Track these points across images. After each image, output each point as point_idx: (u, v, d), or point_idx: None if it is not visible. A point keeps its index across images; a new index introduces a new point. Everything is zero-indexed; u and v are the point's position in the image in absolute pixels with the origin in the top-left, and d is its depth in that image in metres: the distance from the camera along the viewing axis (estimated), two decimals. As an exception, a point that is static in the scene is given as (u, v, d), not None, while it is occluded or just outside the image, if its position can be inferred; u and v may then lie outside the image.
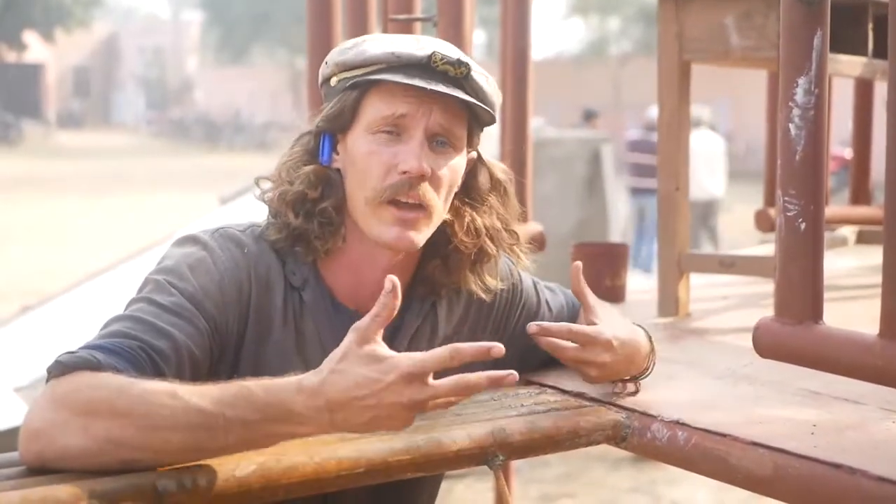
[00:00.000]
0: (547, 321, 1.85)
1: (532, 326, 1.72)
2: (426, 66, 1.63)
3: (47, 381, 1.44)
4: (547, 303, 1.96)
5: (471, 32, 2.82)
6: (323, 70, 1.73)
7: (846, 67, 2.78)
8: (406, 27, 2.70)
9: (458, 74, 1.65)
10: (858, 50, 2.78)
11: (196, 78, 54.47)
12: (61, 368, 1.42)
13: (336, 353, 1.41)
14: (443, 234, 1.73)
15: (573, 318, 1.96)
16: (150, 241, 10.15)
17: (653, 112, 11.70)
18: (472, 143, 1.74)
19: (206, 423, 1.37)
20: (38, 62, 47.74)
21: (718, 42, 2.60)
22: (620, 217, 11.20)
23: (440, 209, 1.68)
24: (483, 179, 1.78)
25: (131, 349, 1.47)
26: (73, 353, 1.45)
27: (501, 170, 1.82)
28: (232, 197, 9.86)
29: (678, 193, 2.62)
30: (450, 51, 1.67)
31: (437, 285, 1.77)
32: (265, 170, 1.77)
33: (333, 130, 1.70)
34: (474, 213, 1.76)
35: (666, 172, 2.64)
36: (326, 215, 1.68)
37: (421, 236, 1.67)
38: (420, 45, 1.66)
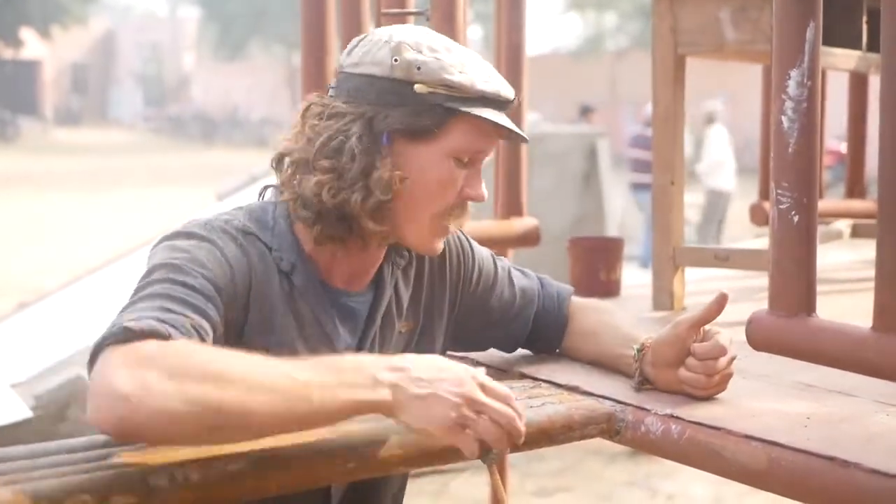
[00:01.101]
0: (507, 296, 1.98)
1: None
2: (496, 102, 1.71)
3: (103, 346, 1.37)
4: (509, 279, 2.01)
5: (464, 27, 2.82)
6: (410, 73, 1.67)
7: (840, 61, 2.78)
8: (399, 21, 2.69)
9: (509, 109, 1.75)
10: (853, 44, 2.79)
11: (193, 74, 54.44)
12: (128, 334, 1.37)
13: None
14: None
15: (553, 309, 2.02)
16: (147, 237, 10.16)
17: (650, 108, 11.70)
18: None
19: (295, 388, 1.37)
20: (36, 59, 47.69)
21: (713, 36, 2.60)
22: (617, 212, 11.20)
23: None
24: None
25: (183, 325, 1.45)
26: (134, 321, 1.39)
27: None
28: (229, 193, 9.86)
29: (673, 188, 2.62)
30: (506, 86, 1.74)
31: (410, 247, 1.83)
32: (263, 166, 1.77)
33: (401, 133, 1.69)
34: None
35: (661, 166, 2.64)
36: (379, 208, 1.69)
37: None
38: (500, 82, 1.72)
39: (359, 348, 1.77)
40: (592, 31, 39.17)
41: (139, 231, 12.65)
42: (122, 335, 1.37)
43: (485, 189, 1.74)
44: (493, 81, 1.70)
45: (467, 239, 1.99)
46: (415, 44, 1.68)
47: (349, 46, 1.75)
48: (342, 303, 1.77)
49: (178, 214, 12.47)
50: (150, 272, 1.55)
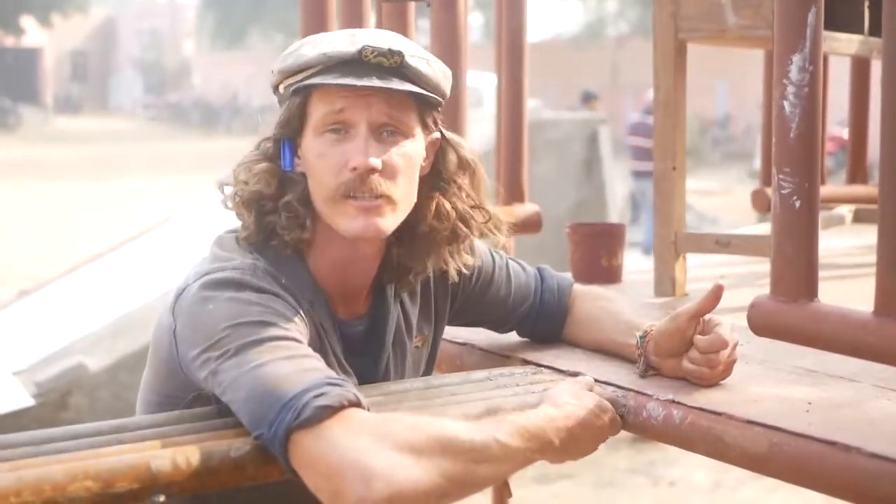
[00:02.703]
0: (504, 292, 1.99)
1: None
2: (359, 62, 1.65)
3: (299, 427, 1.38)
4: (507, 273, 2.01)
5: (465, 14, 2.81)
6: (270, 79, 1.74)
7: (843, 46, 2.78)
8: (399, 10, 2.69)
9: (393, 64, 1.66)
10: (855, 28, 2.78)
11: (193, 62, 54.36)
12: (331, 411, 1.39)
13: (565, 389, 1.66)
14: (412, 220, 1.75)
15: (552, 302, 2.03)
16: (147, 225, 10.15)
17: (651, 95, 11.67)
18: (426, 126, 1.75)
19: (507, 455, 1.46)
20: (36, 47, 47.62)
21: (714, 21, 2.59)
22: (618, 199, 11.19)
23: (403, 196, 1.70)
24: (451, 159, 1.79)
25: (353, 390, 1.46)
26: (323, 395, 1.40)
27: (469, 149, 1.83)
28: (228, 180, 9.83)
29: (674, 173, 2.62)
30: (383, 41, 1.68)
31: (404, 270, 1.80)
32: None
33: (290, 136, 1.71)
34: (443, 197, 1.78)
35: (662, 152, 2.64)
36: (291, 209, 1.69)
37: (387, 222, 1.69)
38: (353, 40, 1.67)
39: (372, 377, 1.78)
40: (593, 18, 39.09)
41: (139, 219, 12.65)
42: (323, 413, 1.38)
43: (371, 158, 1.64)
44: (330, 45, 1.67)
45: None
46: (281, 55, 1.73)
47: None
48: (344, 332, 1.77)
49: (178, 202, 12.47)
50: (235, 331, 1.52)
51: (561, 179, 9.61)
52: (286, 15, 37.26)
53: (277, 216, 1.69)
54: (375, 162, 1.64)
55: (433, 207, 1.76)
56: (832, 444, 1.45)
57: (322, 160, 1.66)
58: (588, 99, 14.34)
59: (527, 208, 3.09)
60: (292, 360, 1.47)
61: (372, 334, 1.80)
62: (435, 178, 1.78)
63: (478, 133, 7.64)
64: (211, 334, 1.52)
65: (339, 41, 1.67)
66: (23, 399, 5.91)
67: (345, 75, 1.63)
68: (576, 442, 1.59)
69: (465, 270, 1.86)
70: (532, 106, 10.84)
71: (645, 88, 12.50)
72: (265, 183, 1.69)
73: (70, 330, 6.75)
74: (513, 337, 2.08)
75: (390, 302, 1.81)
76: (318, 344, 1.66)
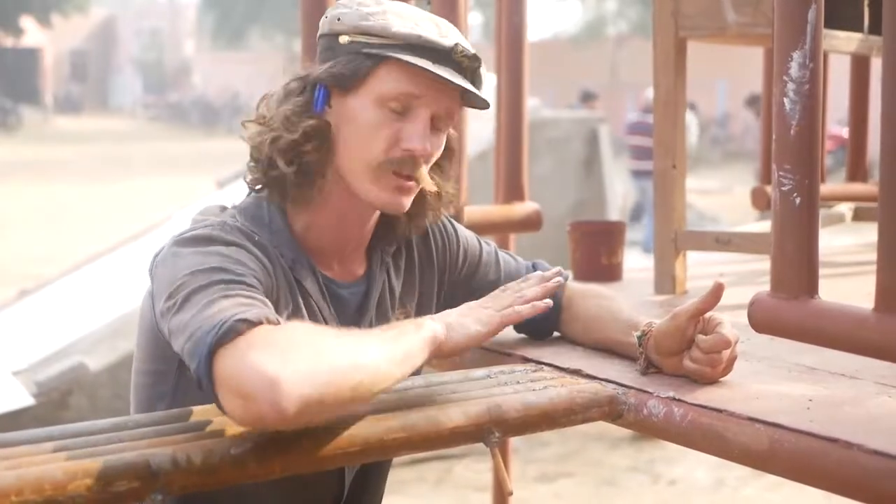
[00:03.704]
0: (493, 278, 2.02)
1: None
2: (448, 57, 1.70)
3: (220, 344, 1.38)
4: (496, 261, 2.05)
5: (465, 12, 2.81)
6: (333, 25, 1.74)
7: (842, 44, 2.78)
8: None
9: (472, 67, 1.73)
10: (855, 26, 2.78)
11: (194, 61, 54.36)
12: (248, 325, 1.39)
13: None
14: None
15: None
16: (147, 225, 10.15)
17: (650, 93, 11.68)
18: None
19: (394, 353, 1.52)
20: (36, 47, 47.62)
21: (714, 19, 2.59)
22: (618, 197, 11.19)
23: (427, 181, 1.77)
24: (448, 146, 1.86)
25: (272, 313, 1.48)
26: (244, 313, 1.41)
27: (455, 137, 1.89)
28: (230, 180, 9.85)
29: (675, 171, 2.62)
30: (467, 44, 1.74)
31: (395, 233, 1.87)
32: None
33: (334, 86, 1.73)
34: (438, 178, 1.84)
35: (662, 151, 2.64)
36: (307, 167, 1.73)
37: (410, 202, 1.77)
38: (442, 31, 1.72)
39: None
40: (593, 17, 39.11)
41: (140, 219, 12.64)
42: (241, 327, 1.39)
43: (428, 144, 1.72)
44: (422, 27, 1.71)
45: (451, 222, 2.02)
46: (348, 0, 1.74)
47: None
48: (336, 293, 1.79)
49: (178, 202, 12.47)
50: (192, 278, 1.53)
51: (561, 178, 9.61)
52: (286, 14, 37.28)
53: (290, 168, 1.72)
54: (430, 150, 1.73)
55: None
56: (833, 440, 1.45)
57: (378, 131, 1.70)
58: (587, 98, 14.36)
59: (527, 207, 3.10)
60: (232, 299, 1.48)
61: (364, 299, 1.83)
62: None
63: (477, 132, 7.64)
64: (172, 282, 1.55)
65: (427, 27, 1.71)
66: (23, 398, 5.91)
67: (436, 63, 1.68)
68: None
69: (448, 223, 1.98)
70: (532, 105, 10.85)
71: (645, 87, 12.50)
72: (305, 137, 1.72)
73: (70, 330, 6.74)
74: (512, 335, 2.08)
75: (377, 269, 1.85)
76: (288, 300, 1.70)
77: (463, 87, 1.70)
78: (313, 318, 1.73)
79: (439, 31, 1.71)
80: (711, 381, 1.73)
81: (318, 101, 1.73)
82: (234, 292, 1.50)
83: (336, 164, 1.74)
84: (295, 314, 1.68)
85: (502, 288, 1.86)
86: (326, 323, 1.75)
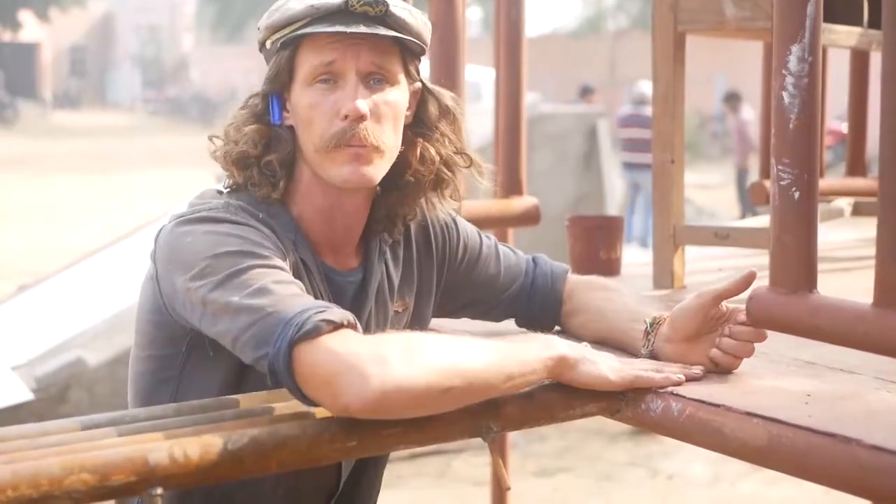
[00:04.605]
0: (493, 271, 2.02)
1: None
2: (346, 12, 1.70)
3: (308, 337, 1.44)
4: (496, 255, 2.04)
5: (463, 7, 2.81)
6: (257, 36, 1.79)
7: (842, 38, 2.77)
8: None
9: (378, 13, 1.71)
10: (854, 20, 2.78)
11: (192, 56, 54.30)
12: (333, 325, 1.46)
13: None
14: (397, 168, 1.81)
15: (545, 287, 2.04)
16: (146, 219, 10.15)
17: (640, 87, 11.68)
18: (410, 75, 1.80)
19: (501, 365, 1.54)
20: (34, 41, 47.56)
21: (713, 13, 2.59)
22: (617, 192, 11.19)
23: (390, 144, 1.76)
24: (432, 108, 1.85)
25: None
26: (324, 311, 1.47)
27: (450, 97, 1.89)
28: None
29: (673, 166, 2.61)
30: None
31: (395, 217, 1.86)
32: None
33: (278, 90, 1.76)
34: (426, 143, 1.84)
35: (661, 145, 2.63)
36: (270, 168, 1.75)
37: (375, 170, 1.75)
38: None
39: None
40: (592, 12, 39.09)
41: (138, 213, 12.64)
42: (320, 328, 1.45)
43: (358, 103, 1.70)
44: None
45: (451, 215, 2.01)
46: (268, 11, 1.77)
47: None
48: (333, 280, 1.79)
49: (177, 197, 12.44)
50: (221, 259, 1.57)
51: (560, 173, 9.61)
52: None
53: (251, 172, 1.75)
54: (364, 108, 1.70)
55: (417, 154, 1.83)
56: (832, 436, 1.44)
57: (314, 110, 1.72)
58: (586, 93, 14.36)
59: (525, 201, 3.09)
60: (281, 285, 1.53)
61: (361, 288, 1.83)
62: (418, 126, 1.84)
63: (476, 127, 7.63)
64: (192, 264, 1.57)
65: None
66: (22, 393, 5.91)
67: (332, 25, 1.69)
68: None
69: (443, 216, 1.95)
70: (531, 100, 10.84)
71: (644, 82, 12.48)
72: (252, 144, 1.75)
73: (69, 325, 6.74)
74: (512, 328, 2.08)
75: (375, 258, 1.85)
76: (297, 278, 1.69)
77: (370, 34, 1.70)
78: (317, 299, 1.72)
79: None
80: (728, 370, 1.75)
81: (273, 111, 1.77)
82: (278, 277, 1.55)
83: (306, 161, 1.77)
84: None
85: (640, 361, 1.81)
86: None
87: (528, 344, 1.62)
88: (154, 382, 1.73)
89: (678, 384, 1.68)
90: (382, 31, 1.70)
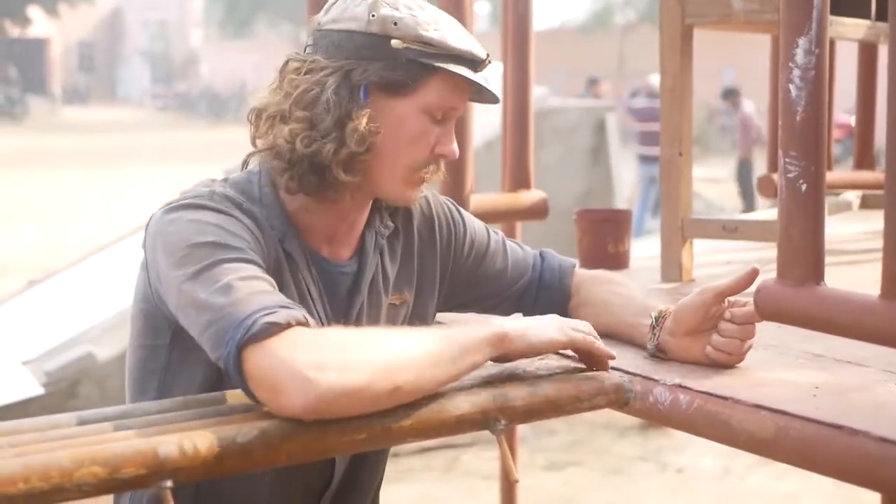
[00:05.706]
0: (500, 266, 2.02)
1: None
2: (481, 66, 1.78)
3: (249, 342, 1.44)
4: (504, 250, 2.05)
5: (471, 2, 2.81)
6: (386, 28, 1.71)
7: (849, 30, 2.77)
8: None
9: (485, 66, 1.80)
10: (861, 13, 2.77)
11: (201, 51, 54.31)
12: (279, 328, 1.45)
13: None
14: None
15: (553, 281, 2.04)
16: (155, 214, 10.14)
17: (654, 79, 11.68)
18: None
19: (440, 354, 1.54)
20: (43, 37, 47.61)
21: (721, 6, 2.59)
22: (625, 186, 11.18)
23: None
24: None
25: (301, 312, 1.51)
26: (272, 314, 1.46)
27: None
28: (237, 170, 9.83)
29: (681, 159, 2.62)
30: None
31: (383, 208, 1.88)
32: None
33: (380, 88, 1.73)
34: None
35: (668, 138, 2.63)
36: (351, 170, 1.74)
37: None
38: (473, 41, 1.78)
39: (344, 318, 1.79)
40: (600, 5, 39.01)
41: (147, 209, 12.65)
42: (271, 329, 1.44)
43: (456, 147, 1.80)
44: (466, 40, 1.75)
45: (458, 209, 2.02)
46: (391, 1, 1.73)
47: (326, 5, 1.79)
48: (325, 270, 1.79)
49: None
50: (195, 250, 1.56)
51: (568, 167, 9.61)
52: (293, 3, 37.23)
53: (298, 167, 1.72)
54: (457, 153, 1.81)
55: None
56: (839, 428, 1.44)
57: (422, 138, 1.75)
58: (592, 84, 14.39)
59: (533, 195, 3.10)
60: (247, 282, 1.52)
61: (355, 279, 1.83)
62: None
63: (484, 121, 7.63)
64: (173, 252, 1.58)
65: (472, 40, 1.77)
66: (32, 388, 5.93)
67: (468, 71, 1.75)
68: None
69: (455, 211, 2.00)
70: (539, 94, 10.84)
71: (652, 75, 12.47)
72: (363, 145, 1.72)
73: (79, 319, 6.76)
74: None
75: (370, 250, 1.85)
76: (277, 271, 1.70)
77: (493, 94, 1.79)
78: (301, 293, 1.74)
79: (472, 42, 1.77)
80: (732, 361, 1.75)
81: (359, 98, 1.72)
82: (244, 273, 1.53)
83: (362, 160, 1.74)
84: (283, 288, 1.66)
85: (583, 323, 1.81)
86: (313, 300, 1.76)
87: (468, 327, 1.62)
88: (143, 374, 1.74)
89: (610, 358, 1.74)
90: (494, 89, 1.80)
